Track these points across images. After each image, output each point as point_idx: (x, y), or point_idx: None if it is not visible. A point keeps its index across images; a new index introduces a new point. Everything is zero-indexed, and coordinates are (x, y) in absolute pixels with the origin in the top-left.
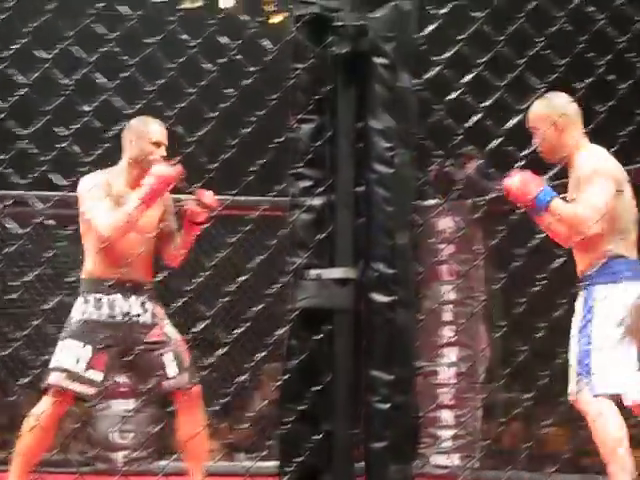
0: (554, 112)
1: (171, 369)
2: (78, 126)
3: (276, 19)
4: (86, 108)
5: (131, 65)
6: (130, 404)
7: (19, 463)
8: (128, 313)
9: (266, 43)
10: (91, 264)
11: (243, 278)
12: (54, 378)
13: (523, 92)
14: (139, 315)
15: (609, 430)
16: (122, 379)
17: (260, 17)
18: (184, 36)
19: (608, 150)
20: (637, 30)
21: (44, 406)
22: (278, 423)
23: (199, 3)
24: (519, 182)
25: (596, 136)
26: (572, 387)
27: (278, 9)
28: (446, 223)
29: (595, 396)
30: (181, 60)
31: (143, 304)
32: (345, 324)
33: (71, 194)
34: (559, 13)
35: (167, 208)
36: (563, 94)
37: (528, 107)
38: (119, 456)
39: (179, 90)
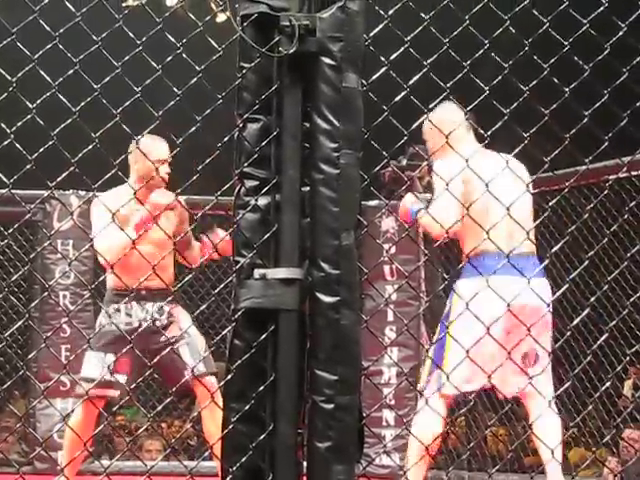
0: (439, 125)
1: (186, 357)
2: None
3: (222, 18)
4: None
5: (75, 63)
6: (70, 403)
7: (68, 468)
8: (145, 319)
9: (212, 42)
10: (108, 278)
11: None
12: (83, 388)
13: (471, 93)
14: (155, 320)
15: (427, 430)
16: (64, 378)
17: (206, 16)
18: (130, 34)
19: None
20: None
21: (78, 414)
22: (222, 423)
23: (143, 0)
24: (403, 202)
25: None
26: (423, 378)
27: (224, 7)
28: (389, 223)
29: (439, 394)
30: (126, 58)
31: (160, 308)
32: (290, 324)
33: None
34: (505, 14)
35: (182, 218)
36: (451, 105)
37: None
38: (59, 455)
39: (125, 89)
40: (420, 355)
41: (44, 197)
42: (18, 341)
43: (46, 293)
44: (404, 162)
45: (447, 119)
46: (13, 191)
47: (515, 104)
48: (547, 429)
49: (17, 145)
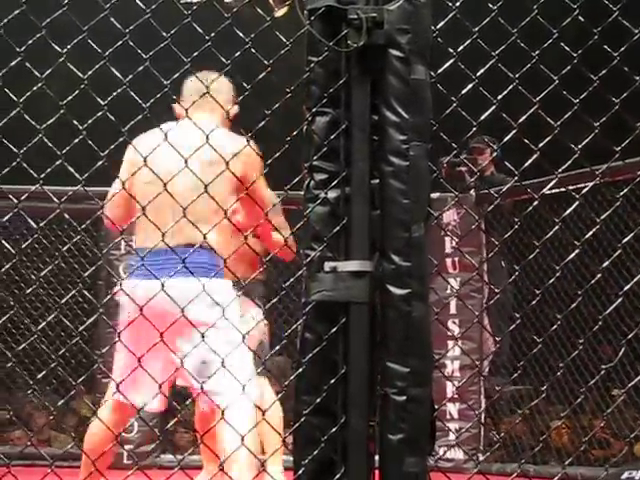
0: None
1: None
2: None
3: (280, 12)
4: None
5: (145, 59)
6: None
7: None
8: None
9: (280, 37)
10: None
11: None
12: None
13: (537, 84)
14: None
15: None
16: None
17: (264, 11)
18: (199, 30)
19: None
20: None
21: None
22: (293, 416)
23: None
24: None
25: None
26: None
27: (282, 2)
28: (450, 216)
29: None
30: (195, 54)
31: None
32: (361, 317)
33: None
34: (573, 5)
35: None
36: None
37: (541, 99)
38: (124, 450)
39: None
40: (483, 348)
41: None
42: (83, 337)
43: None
44: (462, 156)
45: (186, 87)
46: (82, 188)
47: (585, 93)
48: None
49: (90, 142)
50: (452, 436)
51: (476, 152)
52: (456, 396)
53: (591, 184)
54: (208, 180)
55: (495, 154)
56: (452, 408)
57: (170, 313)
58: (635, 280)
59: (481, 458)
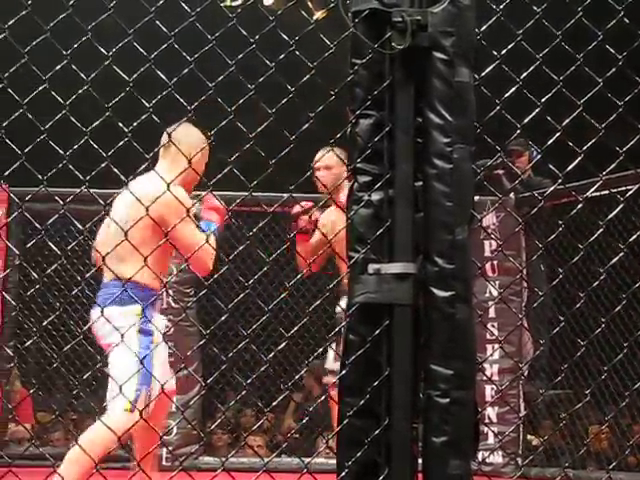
0: None
1: None
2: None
3: (319, 14)
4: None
5: (189, 62)
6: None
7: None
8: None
9: (325, 39)
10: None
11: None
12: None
13: (581, 87)
14: None
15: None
16: None
17: (307, 14)
18: (243, 32)
19: None
20: None
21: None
22: (338, 418)
23: (239, 1)
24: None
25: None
26: None
27: (320, 5)
28: (490, 219)
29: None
30: (240, 57)
31: None
32: (404, 319)
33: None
34: (618, 7)
35: None
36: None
37: (585, 101)
38: (163, 452)
39: (237, 86)
40: (522, 351)
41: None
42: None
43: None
44: (498, 160)
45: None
46: (92, 190)
47: (629, 96)
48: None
49: (93, 144)
50: (491, 440)
51: (515, 155)
52: (495, 400)
53: (636, 186)
54: (128, 226)
55: (533, 157)
56: (491, 412)
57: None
58: None
59: (520, 462)
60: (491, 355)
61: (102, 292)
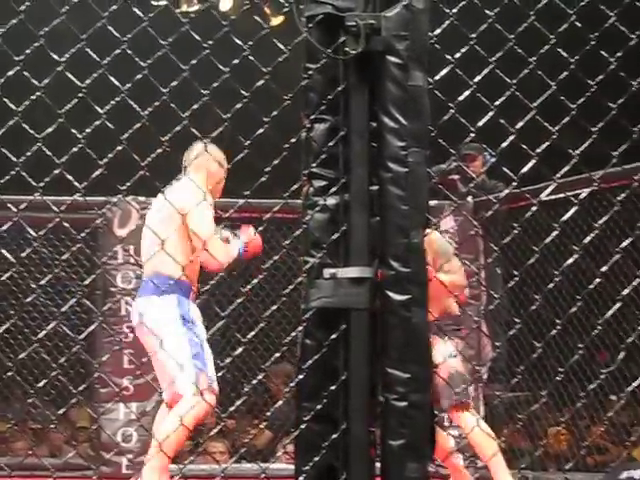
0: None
1: None
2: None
3: (276, 21)
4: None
5: (142, 67)
6: (133, 407)
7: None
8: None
9: (279, 44)
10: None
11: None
12: None
13: (535, 90)
14: None
15: None
16: (127, 382)
17: (263, 19)
18: (197, 37)
19: None
20: None
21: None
22: (295, 423)
23: (196, 7)
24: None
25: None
26: None
27: (277, 11)
28: (448, 223)
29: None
30: (193, 62)
31: None
32: (361, 323)
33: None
34: (570, 10)
35: None
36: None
37: (538, 105)
38: (123, 460)
39: (192, 92)
40: (481, 354)
41: (107, 202)
42: (82, 346)
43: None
44: (452, 165)
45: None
46: (81, 198)
47: (582, 99)
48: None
49: (89, 151)
50: (452, 442)
51: (468, 159)
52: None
53: (589, 190)
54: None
55: (487, 160)
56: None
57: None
58: (632, 286)
59: (480, 464)
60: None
61: (142, 285)
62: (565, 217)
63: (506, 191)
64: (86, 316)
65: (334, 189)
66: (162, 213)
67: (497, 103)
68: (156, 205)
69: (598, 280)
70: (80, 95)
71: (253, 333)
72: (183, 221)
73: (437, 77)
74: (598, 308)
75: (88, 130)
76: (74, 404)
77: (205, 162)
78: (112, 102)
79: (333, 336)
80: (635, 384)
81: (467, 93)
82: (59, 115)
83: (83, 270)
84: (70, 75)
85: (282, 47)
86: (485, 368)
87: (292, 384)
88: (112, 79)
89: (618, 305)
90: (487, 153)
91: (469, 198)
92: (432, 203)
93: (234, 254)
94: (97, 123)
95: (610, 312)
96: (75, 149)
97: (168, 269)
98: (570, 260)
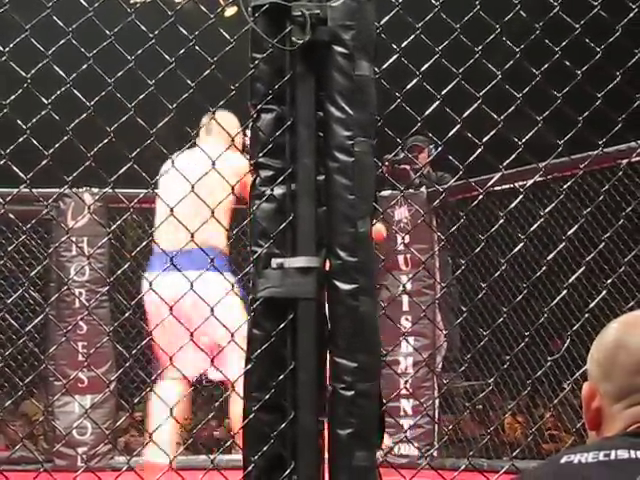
0: None
1: None
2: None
3: (230, 12)
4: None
5: (88, 58)
6: (88, 400)
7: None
8: None
9: (224, 34)
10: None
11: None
12: None
13: (483, 79)
14: None
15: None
16: (81, 375)
17: (213, 10)
18: (143, 28)
19: None
20: None
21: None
22: (243, 413)
23: None
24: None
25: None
26: None
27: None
28: (402, 213)
29: None
30: (139, 52)
31: None
32: (309, 312)
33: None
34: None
35: None
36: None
37: (484, 94)
38: (79, 452)
39: (138, 83)
40: (436, 344)
41: (58, 194)
42: (35, 339)
43: (64, 288)
44: (401, 155)
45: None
46: (27, 189)
47: (527, 88)
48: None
49: (34, 141)
50: (407, 432)
51: (416, 150)
52: (409, 392)
53: (534, 178)
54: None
55: (432, 154)
56: (406, 404)
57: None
58: (578, 273)
59: (434, 454)
60: (396, 347)
61: (185, 259)
62: (511, 205)
63: (451, 181)
64: (40, 309)
65: (281, 179)
66: (209, 178)
67: (443, 93)
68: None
69: (543, 268)
70: (25, 85)
71: (201, 323)
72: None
73: (384, 67)
74: (547, 296)
75: (33, 120)
76: (28, 397)
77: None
78: (57, 93)
79: (281, 326)
80: (582, 370)
81: (413, 82)
82: (3, 106)
83: (37, 263)
84: (14, 65)
85: (228, 37)
86: (439, 357)
87: (240, 374)
88: (57, 69)
89: (564, 293)
90: (432, 146)
91: (422, 188)
92: (386, 193)
93: None
94: (43, 113)
95: (555, 301)
96: (20, 139)
97: (217, 242)
98: (517, 248)
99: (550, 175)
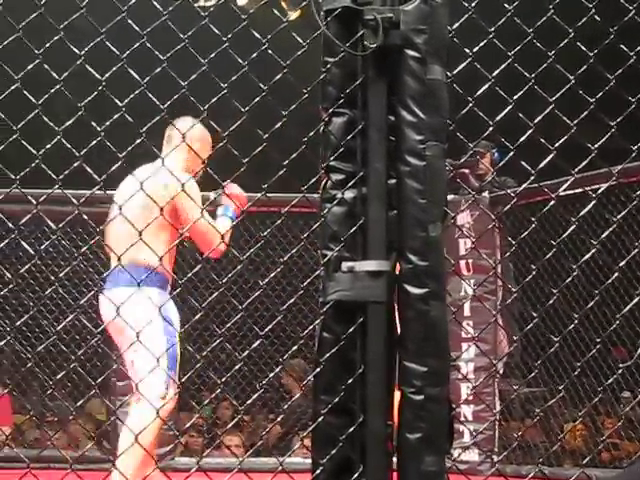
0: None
1: None
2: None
3: (294, 15)
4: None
5: (162, 60)
6: None
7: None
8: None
9: (297, 38)
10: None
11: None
12: None
13: (553, 85)
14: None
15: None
16: None
17: (276, 13)
18: (216, 31)
19: None
20: None
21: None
22: (312, 416)
23: (213, 1)
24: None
25: None
26: None
27: (294, 5)
28: (464, 218)
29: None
30: (212, 56)
31: None
32: (379, 316)
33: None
34: (590, 4)
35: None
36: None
37: (557, 99)
38: None
39: (210, 84)
40: (497, 349)
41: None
42: (99, 340)
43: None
44: (465, 159)
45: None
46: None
47: (601, 93)
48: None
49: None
50: (467, 438)
51: (479, 156)
52: (471, 398)
53: (607, 184)
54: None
55: (495, 158)
56: (467, 410)
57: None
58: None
59: (496, 459)
60: (462, 353)
61: (113, 276)
62: (584, 210)
63: (524, 186)
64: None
65: (352, 182)
66: (139, 198)
67: (515, 97)
68: (128, 189)
69: (615, 275)
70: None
71: (270, 327)
72: (168, 207)
73: (456, 71)
74: (615, 304)
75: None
76: (91, 397)
77: (186, 141)
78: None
79: (351, 329)
80: None
81: (485, 87)
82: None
83: (100, 264)
84: (90, 68)
85: (300, 41)
86: (501, 363)
87: (309, 377)
88: (132, 72)
89: (636, 300)
90: (495, 151)
91: (485, 193)
92: (449, 197)
93: (228, 226)
94: (116, 116)
95: (628, 307)
96: (94, 142)
97: (146, 259)
98: (587, 255)
99: (619, 180)
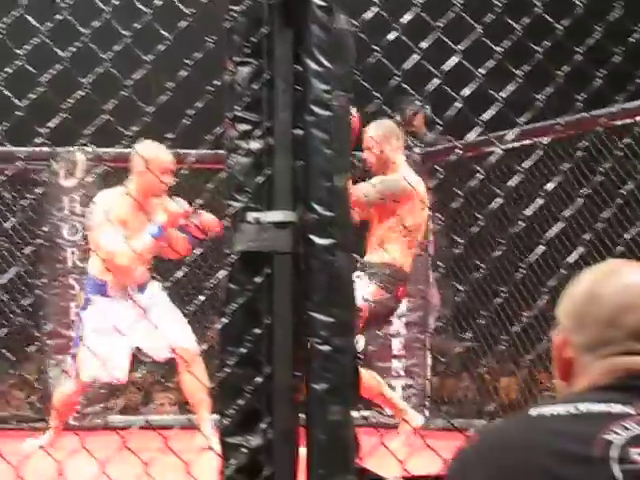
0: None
1: None
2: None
3: None
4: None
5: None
6: None
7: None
8: None
9: None
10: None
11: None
12: None
13: (463, 34)
14: None
15: None
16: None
17: None
18: None
19: None
20: None
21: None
22: (218, 367)
23: None
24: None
25: None
26: None
27: None
28: None
29: None
30: (116, 2)
31: None
32: (285, 267)
33: None
34: None
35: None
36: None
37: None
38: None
39: (114, 33)
40: (429, 304)
41: (50, 153)
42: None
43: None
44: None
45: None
46: (20, 148)
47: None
48: None
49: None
50: (400, 392)
51: (411, 113)
52: (401, 353)
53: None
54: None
55: (427, 115)
56: (398, 365)
57: None
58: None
59: (427, 414)
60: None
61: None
62: (490, 161)
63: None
64: (32, 268)
65: (258, 133)
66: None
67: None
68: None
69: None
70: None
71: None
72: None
73: (362, 19)
74: (553, 258)
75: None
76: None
77: (134, 165)
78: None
79: (257, 280)
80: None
81: (392, 36)
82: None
83: (28, 222)
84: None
85: None
86: (432, 318)
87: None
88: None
89: (542, 250)
90: (427, 107)
91: (416, 149)
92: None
93: (147, 243)
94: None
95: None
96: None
97: (94, 270)
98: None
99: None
